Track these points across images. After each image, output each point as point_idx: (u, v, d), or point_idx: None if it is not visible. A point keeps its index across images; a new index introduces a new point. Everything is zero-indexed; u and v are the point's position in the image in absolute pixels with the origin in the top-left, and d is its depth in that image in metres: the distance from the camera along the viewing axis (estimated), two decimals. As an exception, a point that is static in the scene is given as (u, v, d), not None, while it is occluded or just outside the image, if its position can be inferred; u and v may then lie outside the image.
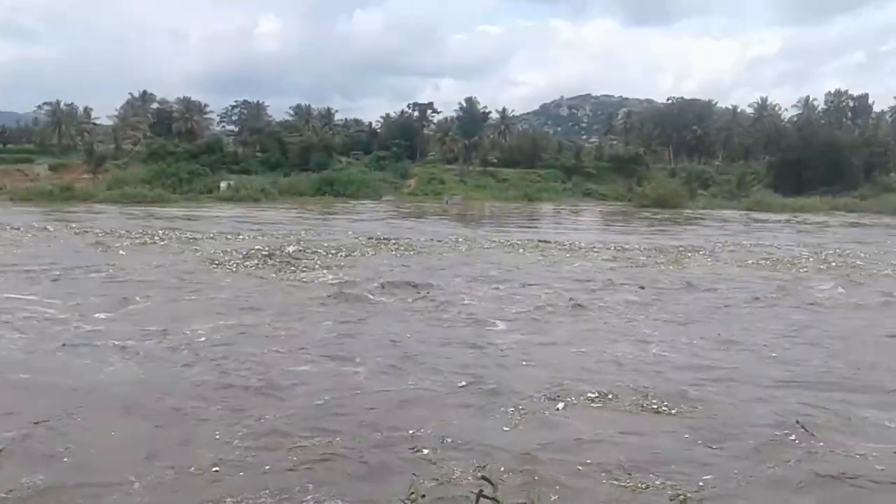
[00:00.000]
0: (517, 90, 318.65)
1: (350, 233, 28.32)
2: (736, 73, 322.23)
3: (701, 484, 5.59)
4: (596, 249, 23.36)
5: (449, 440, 6.37)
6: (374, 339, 10.24)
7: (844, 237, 32.80)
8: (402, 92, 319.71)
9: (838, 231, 37.35)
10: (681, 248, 23.96)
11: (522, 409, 7.34)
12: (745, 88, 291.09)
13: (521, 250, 22.81)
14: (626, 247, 24.30)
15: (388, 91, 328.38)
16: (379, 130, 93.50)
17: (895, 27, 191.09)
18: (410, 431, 6.55)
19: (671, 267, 19.27)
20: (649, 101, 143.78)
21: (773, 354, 9.86)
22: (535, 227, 37.84)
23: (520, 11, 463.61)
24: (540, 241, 25.69)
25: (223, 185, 61.01)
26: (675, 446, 6.41)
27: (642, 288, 15.31)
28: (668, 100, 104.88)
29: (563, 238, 27.92)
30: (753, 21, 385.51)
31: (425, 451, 6.07)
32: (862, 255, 23.34)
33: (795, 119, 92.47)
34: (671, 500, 5.31)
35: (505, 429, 6.77)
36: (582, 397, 7.74)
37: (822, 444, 6.40)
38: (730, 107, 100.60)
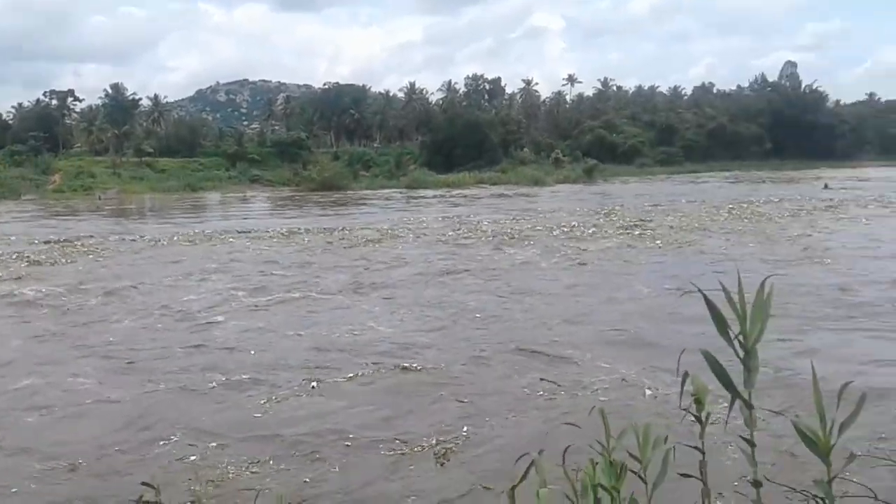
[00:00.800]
0: (170, 76, 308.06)
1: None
2: (386, 59, 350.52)
3: (465, 433, 7.71)
4: (296, 232, 27.56)
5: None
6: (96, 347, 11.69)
7: (491, 206, 42.66)
8: (36, 79, 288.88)
9: (486, 201, 47.70)
10: (371, 226, 29.44)
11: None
12: (396, 73, 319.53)
13: (208, 242, 25.49)
14: (308, 229, 29.01)
15: (19, 78, 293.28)
16: (11, 122, 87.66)
17: (518, 16, 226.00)
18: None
19: (383, 244, 23.78)
20: (307, 86, 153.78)
21: (477, 315, 13.20)
22: (206, 218, 40.01)
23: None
24: (223, 231, 28.79)
25: None
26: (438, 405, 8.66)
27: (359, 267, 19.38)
28: (324, 85, 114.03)
29: (247, 225, 31.54)
30: (396, 10, 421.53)
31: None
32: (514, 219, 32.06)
33: (441, 102, 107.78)
34: (436, 457, 7.12)
35: (257, 415, 8.49)
36: (333, 377, 9.72)
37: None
38: (382, 91, 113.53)
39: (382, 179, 73.22)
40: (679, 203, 40.01)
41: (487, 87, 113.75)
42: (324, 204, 49.86)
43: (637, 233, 25.88)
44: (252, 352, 11.33)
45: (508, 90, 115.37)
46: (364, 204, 48.56)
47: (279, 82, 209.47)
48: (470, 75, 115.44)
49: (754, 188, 54.35)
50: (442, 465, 7.12)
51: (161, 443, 7.85)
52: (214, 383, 9.80)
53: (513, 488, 1.83)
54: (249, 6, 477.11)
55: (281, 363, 10.70)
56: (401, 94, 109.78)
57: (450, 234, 27.01)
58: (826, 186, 51.37)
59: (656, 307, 13.74)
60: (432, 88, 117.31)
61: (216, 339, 12.20)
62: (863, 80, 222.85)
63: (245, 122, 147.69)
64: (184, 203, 55.38)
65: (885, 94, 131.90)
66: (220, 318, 13.72)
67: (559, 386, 9.21)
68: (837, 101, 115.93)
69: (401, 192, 61.16)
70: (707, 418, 1.79)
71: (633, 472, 1.78)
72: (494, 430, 7.94)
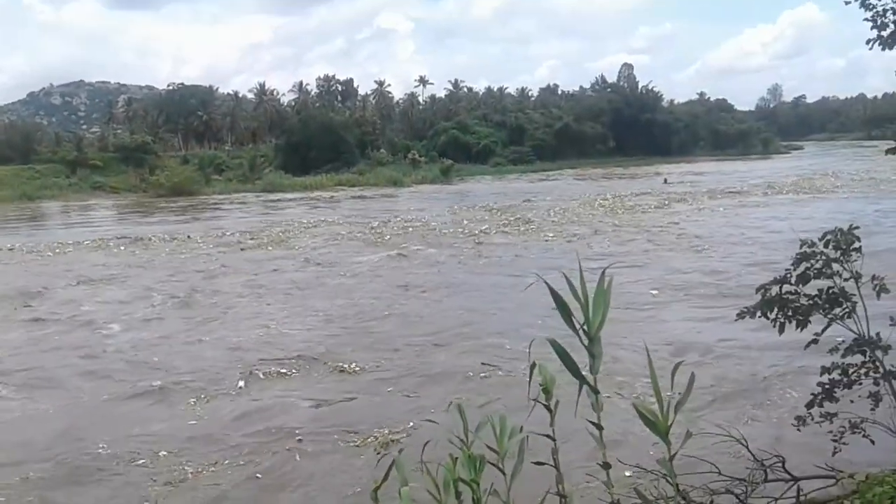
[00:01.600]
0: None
1: None
2: (234, 59, 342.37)
3: (412, 425, 8.54)
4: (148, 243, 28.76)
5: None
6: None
7: (356, 208, 44.38)
8: None
9: (347, 203, 49.35)
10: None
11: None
12: (245, 74, 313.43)
13: (70, 252, 26.80)
14: (174, 235, 30.68)
15: None
16: None
17: (365, 17, 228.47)
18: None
19: (270, 249, 26.00)
20: (150, 88, 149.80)
21: (386, 314, 15.20)
22: (46, 228, 40.63)
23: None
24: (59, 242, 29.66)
25: None
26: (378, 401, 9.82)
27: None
28: (168, 86, 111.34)
29: (105, 233, 32.75)
30: (242, 9, 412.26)
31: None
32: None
33: (294, 103, 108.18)
34: (376, 449, 7.85)
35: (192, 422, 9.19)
36: (262, 375, 10.91)
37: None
38: (231, 92, 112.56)
39: (236, 183, 72.79)
40: (546, 200, 44.25)
41: (340, 88, 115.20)
42: (176, 210, 49.98)
43: (523, 228, 28.31)
44: (156, 359, 12.19)
45: (361, 91, 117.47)
46: (219, 209, 48.93)
47: (119, 83, 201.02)
48: (322, 76, 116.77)
49: (609, 184, 59.68)
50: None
51: (100, 452, 8.28)
52: (132, 393, 10.44)
53: (375, 490, 1.89)
54: (79, 3, 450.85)
55: (195, 368, 11.53)
56: (251, 96, 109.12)
57: (342, 234, 28.39)
58: (666, 181, 56.04)
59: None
60: (283, 89, 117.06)
61: (118, 350, 12.97)
62: (694, 80, 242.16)
63: (84, 126, 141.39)
64: (21, 213, 53.82)
65: (714, 94, 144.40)
66: (115, 328, 14.75)
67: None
68: (672, 101, 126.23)
69: (256, 196, 61.19)
70: (556, 406, 1.92)
71: (491, 463, 1.85)
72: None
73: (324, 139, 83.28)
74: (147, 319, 15.52)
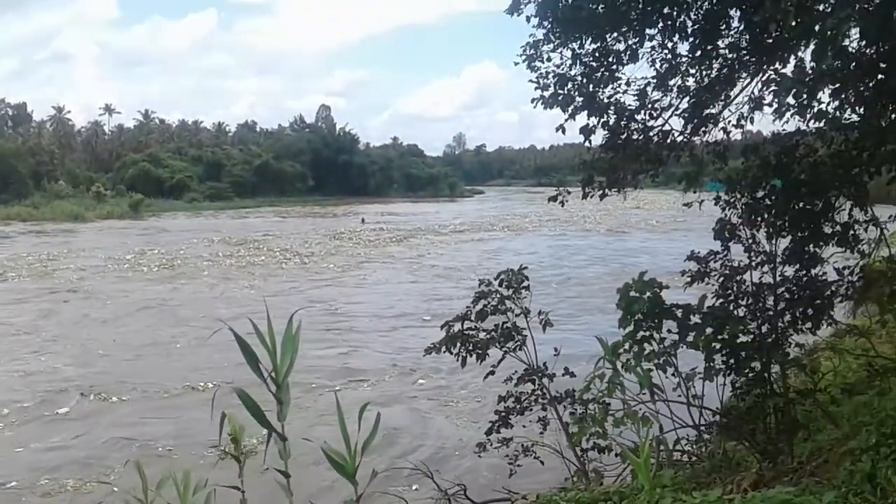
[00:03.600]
0: None
1: None
2: None
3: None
4: None
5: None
6: None
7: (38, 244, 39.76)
8: None
9: (21, 239, 44.07)
10: None
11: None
12: None
13: None
14: None
15: None
16: None
17: (46, 36, 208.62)
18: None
19: None
20: None
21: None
22: None
23: None
24: None
25: None
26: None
27: None
28: None
29: None
30: None
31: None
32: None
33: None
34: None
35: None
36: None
37: None
38: None
39: None
40: (260, 237, 42.93)
41: (10, 112, 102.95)
42: None
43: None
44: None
45: (36, 117, 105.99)
46: None
47: None
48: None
49: (315, 222, 59.10)
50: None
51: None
52: None
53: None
54: None
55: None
56: None
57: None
58: (363, 221, 57.74)
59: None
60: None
61: None
62: (387, 124, 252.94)
63: None
64: None
65: (406, 139, 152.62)
66: None
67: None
68: (368, 144, 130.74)
69: None
70: (245, 456, 1.91)
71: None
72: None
73: (-10, 168, 74.05)
74: None
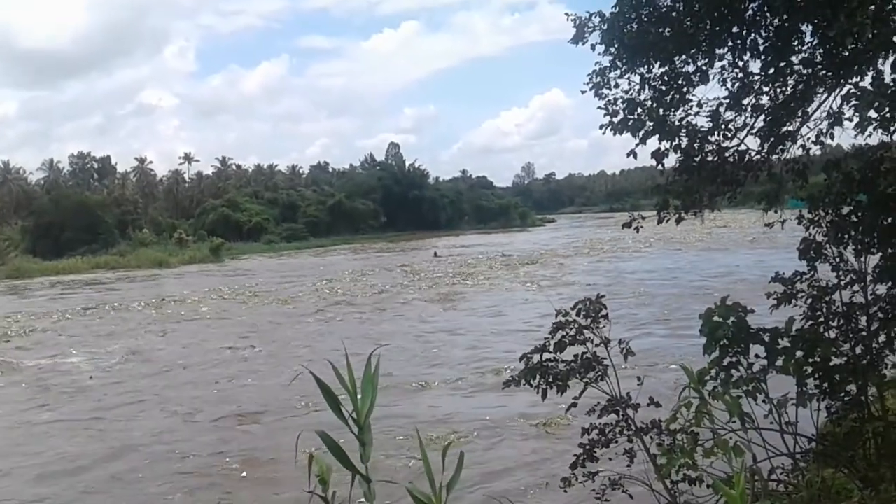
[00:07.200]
0: None
1: None
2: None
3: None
4: None
5: None
6: None
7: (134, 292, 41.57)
8: None
9: (126, 286, 46.12)
10: None
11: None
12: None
13: None
14: None
15: None
16: None
17: (127, 92, 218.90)
18: None
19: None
20: None
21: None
22: None
23: None
24: None
25: None
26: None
27: None
28: None
29: None
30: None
31: None
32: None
33: (43, 182, 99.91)
34: None
35: None
36: None
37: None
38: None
39: (-27, 271, 64.94)
40: (353, 272, 44.39)
41: (96, 165, 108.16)
42: None
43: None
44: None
45: (120, 168, 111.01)
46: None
47: None
48: (76, 153, 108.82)
49: (398, 256, 61.09)
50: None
51: None
52: None
53: None
54: None
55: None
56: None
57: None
58: (435, 255, 57.96)
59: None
60: (31, 167, 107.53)
61: None
62: (456, 157, 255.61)
63: None
64: None
65: (475, 171, 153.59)
66: None
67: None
68: (437, 178, 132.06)
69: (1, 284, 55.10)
70: (334, 496, 1.89)
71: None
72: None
73: (79, 219, 77.62)
74: None
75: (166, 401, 15.40)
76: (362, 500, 1.85)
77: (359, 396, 1.78)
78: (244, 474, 10.69)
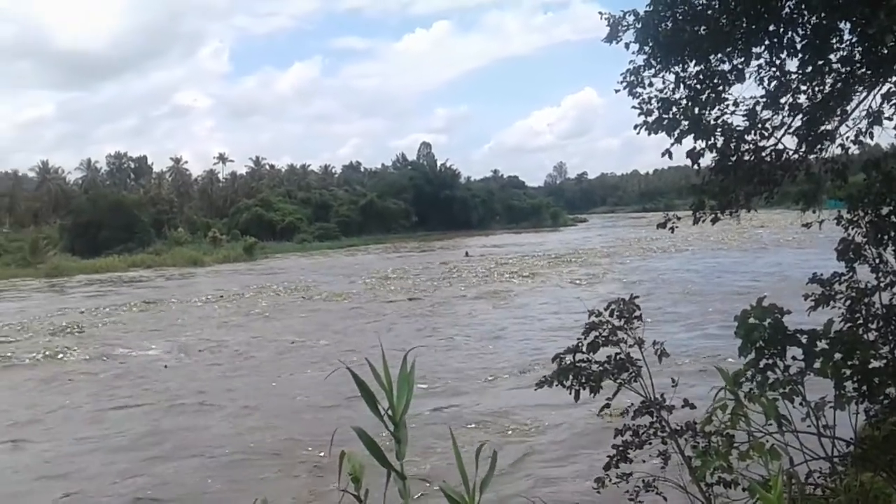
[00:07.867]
0: None
1: None
2: (11, 136, 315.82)
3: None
4: None
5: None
6: None
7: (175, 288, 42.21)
8: None
9: (164, 283, 47.06)
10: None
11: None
12: (25, 152, 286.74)
13: None
14: None
15: None
16: None
17: (162, 94, 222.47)
18: None
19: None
20: None
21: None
22: None
23: None
24: None
25: None
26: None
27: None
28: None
29: None
30: (18, 83, 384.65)
31: None
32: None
33: (81, 181, 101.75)
34: None
35: None
36: None
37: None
38: (10, 171, 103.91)
39: (14, 268, 66.32)
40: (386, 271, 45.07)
41: (132, 165, 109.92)
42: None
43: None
44: None
45: (156, 168, 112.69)
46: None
47: None
48: (112, 153, 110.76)
49: (433, 255, 61.69)
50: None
51: None
52: None
53: None
54: None
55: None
56: (32, 174, 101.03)
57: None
58: (467, 254, 58.01)
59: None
60: (69, 167, 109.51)
61: None
62: (488, 157, 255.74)
63: None
64: None
65: (507, 171, 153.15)
66: None
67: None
68: (469, 178, 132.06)
69: (40, 281, 56.24)
70: (367, 495, 1.89)
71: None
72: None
73: (116, 219, 78.90)
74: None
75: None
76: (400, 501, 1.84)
77: (395, 394, 1.79)
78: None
